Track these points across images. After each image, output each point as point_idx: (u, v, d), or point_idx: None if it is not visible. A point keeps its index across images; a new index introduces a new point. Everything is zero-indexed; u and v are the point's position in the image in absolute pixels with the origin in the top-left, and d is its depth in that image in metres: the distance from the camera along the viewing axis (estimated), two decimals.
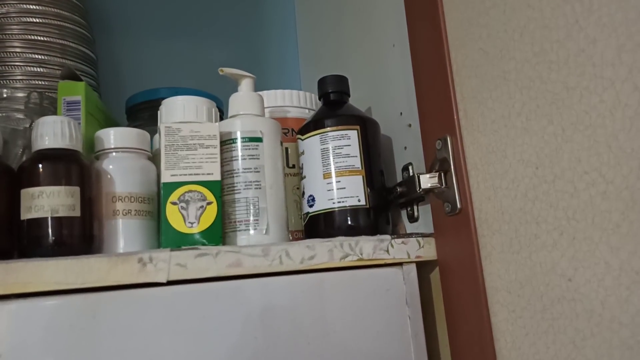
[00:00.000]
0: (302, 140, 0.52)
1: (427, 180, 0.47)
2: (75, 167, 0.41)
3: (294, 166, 0.57)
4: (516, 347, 0.38)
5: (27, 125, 0.47)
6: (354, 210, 0.49)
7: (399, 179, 0.55)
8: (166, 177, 0.44)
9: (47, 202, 0.39)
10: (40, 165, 0.40)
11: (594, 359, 0.31)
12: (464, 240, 0.43)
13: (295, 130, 0.57)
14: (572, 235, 0.33)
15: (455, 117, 0.44)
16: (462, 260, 0.43)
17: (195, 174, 0.44)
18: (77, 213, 0.40)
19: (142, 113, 0.63)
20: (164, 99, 0.56)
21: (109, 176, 0.44)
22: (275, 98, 0.58)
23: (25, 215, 0.39)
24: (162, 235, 0.43)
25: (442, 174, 0.46)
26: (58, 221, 0.39)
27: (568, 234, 0.33)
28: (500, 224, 0.39)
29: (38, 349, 0.35)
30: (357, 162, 0.50)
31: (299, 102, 0.59)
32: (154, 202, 0.46)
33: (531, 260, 0.36)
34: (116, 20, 0.87)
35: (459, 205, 0.43)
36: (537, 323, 0.36)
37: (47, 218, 0.39)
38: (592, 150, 0.31)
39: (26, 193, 0.39)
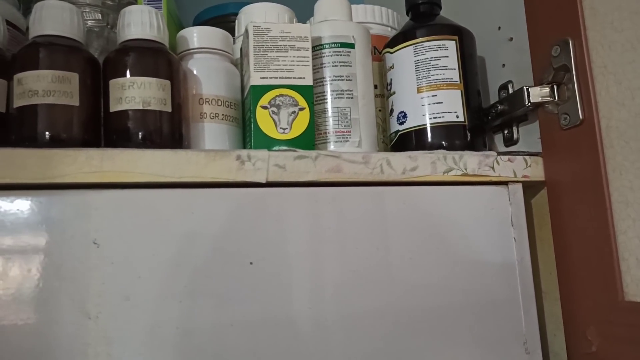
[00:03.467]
0: (392, 53, 0.48)
1: (537, 94, 0.42)
2: (165, 60, 0.38)
3: (376, 87, 0.53)
4: None
5: (104, 25, 0.44)
6: (451, 127, 0.45)
7: (493, 100, 0.51)
8: (255, 80, 0.40)
9: (138, 93, 0.36)
10: (130, 55, 0.36)
11: None
12: (586, 154, 0.38)
13: (377, 49, 0.53)
14: None
15: (580, 16, 0.39)
16: (581, 176, 0.39)
17: (286, 77, 0.41)
18: (168, 108, 0.37)
19: None
20: (234, 14, 0.53)
21: (194, 77, 0.41)
22: (356, 13, 0.54)
23: (114, 107, 0.36)
24: (253, 140, 0.40)
25: (555, 86, 0.41)
26: (149, 114, 0.36)
27: None
28: (638, 130, 0.35)
29: (135, 240, 0.32)
30: (455, 75, 0.45)
31: (381, 18, 0.55)
32: (239, 109, 0.43)
33: None
34: None
35: (581, 116, 0.39)
36: None
37: (138, 110, 0.36)
38: None
39: (115, 84, 0.36)
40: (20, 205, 0.31)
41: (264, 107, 0.40)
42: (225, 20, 0.59)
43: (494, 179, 0.41)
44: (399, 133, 0.47)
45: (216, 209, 0.34)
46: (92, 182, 0.32)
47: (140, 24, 0.37)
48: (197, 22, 0.61)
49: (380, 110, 0.52)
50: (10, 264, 0.30)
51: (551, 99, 0.42)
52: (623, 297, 0.36)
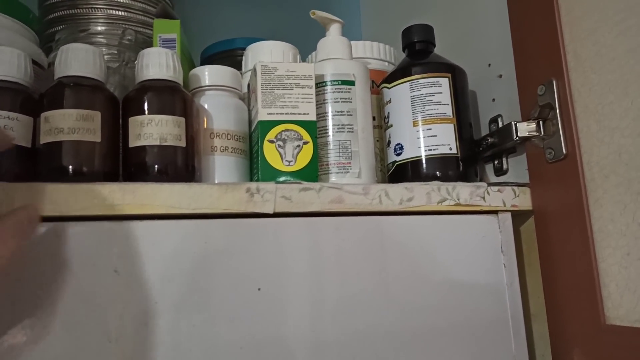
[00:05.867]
0: (389, 88, 0.51)
1: (524, 128, 0.45)
2: (180, 98, 0.41)
3: (374, 118, 0.56)
4: (631, 289, 0.37)
5: (121, 63, 0.47)
6: (445, 159, 0.48)
7: (484, 132, 0.54)
8: (263, 115, 0.43)
9: (155, 130, 0.38)
10: (148, 94, 0.39)
11: None
12: (570, 186, 0.41)
13: (375, 83, 0.57)
14: None
15: (563, 59, 0.42)
16: (565, 207, 0.42)
17: (291, 113, 0.44)
18: (182, 143, 0.39)
19: (219, 63, 0.62)
20: (240, 49, 0.56)
21: (206, 112, 0.44)
22: (355, 48, 0.57)
23: (133, 142, 0.39)
24: (260, 172, 0.42)
25: (541, 121, 0.45)
26: (166, 150, 0.39)
27: None
28: (616, 166, 0.38)
29: (153, 270, 0.35)
30: (448, 110, 0.49)
31: (379, 54, 0.58)
32: (247, 142, 0.46)
33: None
34: None
35: (564, 151, 0.42)
36: None
37: (155, 146, 0.38)
38: None
39: (135, 121, 0.39)
40: (47, 235, 0.34)
41: (271, 141, 0.43)
42: (232, 55, 0.62)
43: (484, 209, 0.44)
44: (396, 163, 0.50)
45: (228, 239, 0.37)
46: (113, 214, 0.35)
47: (158, 65, 0.40)
48: (205, 55, 0.64)
49: (378, 141, 0.55)
50: (40, 291, 0.33)
51: (537, 134, 0.45)
52: (605, 321, 0.39)
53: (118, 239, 0.35)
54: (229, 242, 0.37)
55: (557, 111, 0.42)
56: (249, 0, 0.89)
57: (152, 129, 0.38)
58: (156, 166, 0.39)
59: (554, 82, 0.43)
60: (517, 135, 0.46)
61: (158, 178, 0.38)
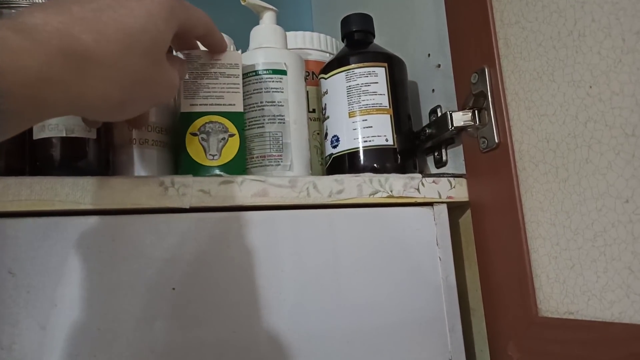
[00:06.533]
0: (326, 79, 0.50)
1: (460, 118, 0.44)
2: None
3: (314, 110, 0.54)
4: (560, 280, 0.36)
5: None
6: (381, 150, 0.47)
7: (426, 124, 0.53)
8: (185, 107, 0.41)
9: (61, 120, 0.36)
10: None
11: None
12: (502, 176, 0.40)
13: (315, 74, 0.55)
14: (630, 153, 0.30)
15: (494, 46, 0.41)
16: (498, 198, 0.41)
17: (216, 104, 0.42)
18: (93, 135, 0.37)
19: None
20: None
21: None
22: (295, 40, 0.55)
23: (37, 134, 0.36)
24: (182, 167, 0.40)
25: (476, 111, 0.44)
26: (73, 141, 0.36)
27: (626, 153, 0.31)
28: (545, 153, 0.37)
29: (53, 269, 0.32)
30: (384, 101, 0.47)
31: (319, 45, 0.56)
32: (170, 134, 0.44)
33: (581, 187, 0.34)
34: None
35: (497, 140, 0.41)
36: (585, 253, 0.34)
37: (61, 137, 0.36)
38: None
39: None
40: None
41: (194, 134, 0.41)
42: None
43: (419, 201, 0.43)
44: (333, 156, 0.48)
45: (137, 236, 0.34)
46: (9, 210, 0.32)
47: None
48: None
49: (318, 134, 0.53)
50: None
51: (473, 124, 0.44)
52: (537, 313, 0.37)
53: (13, 237, 0.32)
54: (138, 239, 0.34)
55: (490, 99, 0.41)
56: None
57: (57, 119, 0.36)
58: (63, 160, 0.36)
59: (486, 70, 0.42)
60: (452, 125, 0.44)
61: (65, 172, 0.36)
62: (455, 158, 0.48)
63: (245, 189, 0.38)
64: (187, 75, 0.41)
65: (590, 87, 0.33)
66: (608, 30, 0.32)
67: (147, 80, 0.30)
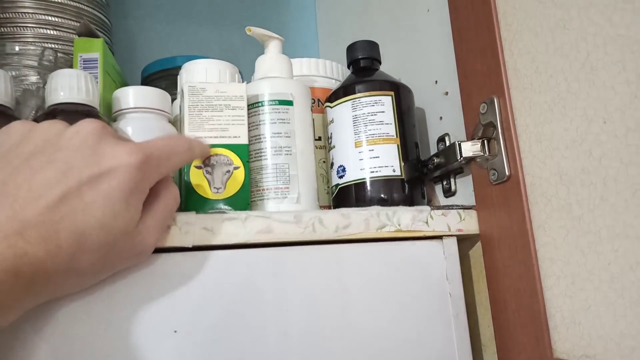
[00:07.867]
0: (332, 107, 0.49)
1: (468, 148, 0.43)
2: None
3: (319, 138, 0.54)
4: (576, 322, 0.34)
5: (41, 85, 0.44)
6: (388, 181, 0.46)
7: (434, 151, 0.52)
8: None
9: None
10: (57, 119, 0.36)
11: None
12: (513, 210, 0.39)
13: (321, 101, 0.54)
14: None
15: (503, 76, 0.40)
16: (510, 232, 0.40)
17: (221, 137, 0.41)
18: None
19: (159, 82, 0.60)
20: (180, 67, 0.53)
21: (128, 137, 0.41)
22: (300, 66, 0.55)
23: None
24: (186, 202, 0.39)
25: (486, 141, 0.43)
26: None
27: None
28: (558, 188, 0.36)
29: None
30: (391, 130, 0.46)
31: (325, 71, 0.56)
32: None
33: (596, 225, 0.33)
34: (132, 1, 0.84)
35: (507, 172, 0.40)
36: (602, 294, 0.32)
37: None
38: None
39: None
40: None
41: (198, 167, 0.40)
42: (171, 73, 0.59)
43: (428, 234, 0.42)
44: (339, 186, 0.47)
45: (137, 276, 0.34)
46: None
47: (68, 88, 0.37)
48: (145, 74, 0.62)
49: (324, 162, 0.53)
50: None
51: (482, 154, 0.43)
52: (552, 354, 0.36)
53: None
54: (137, 283, 0.34)
55: (499, 130, 0.40)
56: (204, 18, 0.87)
57: None
58: None
59: (495, 100, 0.41)
60: (461, 156, 0.43)
61: None
62: (464, 188, 0.47)
63: (249, 225, 0.37)
64: (190, 110, 0.41)
65: (605, 122, 0.32)
66: (622, 64, 0.31)
67: (110, 264, 0.29)
